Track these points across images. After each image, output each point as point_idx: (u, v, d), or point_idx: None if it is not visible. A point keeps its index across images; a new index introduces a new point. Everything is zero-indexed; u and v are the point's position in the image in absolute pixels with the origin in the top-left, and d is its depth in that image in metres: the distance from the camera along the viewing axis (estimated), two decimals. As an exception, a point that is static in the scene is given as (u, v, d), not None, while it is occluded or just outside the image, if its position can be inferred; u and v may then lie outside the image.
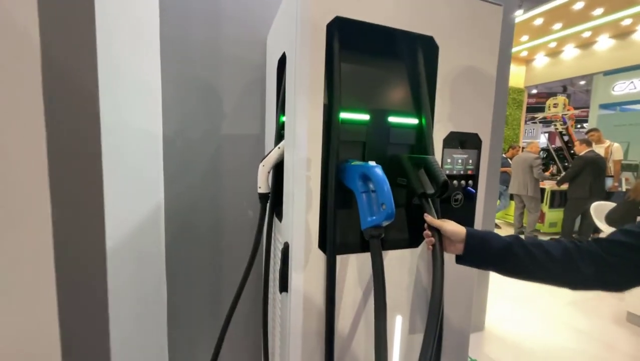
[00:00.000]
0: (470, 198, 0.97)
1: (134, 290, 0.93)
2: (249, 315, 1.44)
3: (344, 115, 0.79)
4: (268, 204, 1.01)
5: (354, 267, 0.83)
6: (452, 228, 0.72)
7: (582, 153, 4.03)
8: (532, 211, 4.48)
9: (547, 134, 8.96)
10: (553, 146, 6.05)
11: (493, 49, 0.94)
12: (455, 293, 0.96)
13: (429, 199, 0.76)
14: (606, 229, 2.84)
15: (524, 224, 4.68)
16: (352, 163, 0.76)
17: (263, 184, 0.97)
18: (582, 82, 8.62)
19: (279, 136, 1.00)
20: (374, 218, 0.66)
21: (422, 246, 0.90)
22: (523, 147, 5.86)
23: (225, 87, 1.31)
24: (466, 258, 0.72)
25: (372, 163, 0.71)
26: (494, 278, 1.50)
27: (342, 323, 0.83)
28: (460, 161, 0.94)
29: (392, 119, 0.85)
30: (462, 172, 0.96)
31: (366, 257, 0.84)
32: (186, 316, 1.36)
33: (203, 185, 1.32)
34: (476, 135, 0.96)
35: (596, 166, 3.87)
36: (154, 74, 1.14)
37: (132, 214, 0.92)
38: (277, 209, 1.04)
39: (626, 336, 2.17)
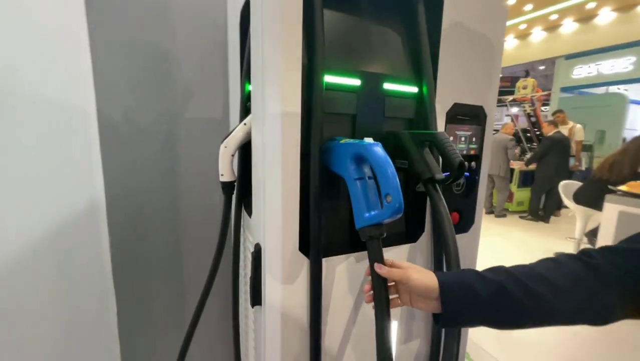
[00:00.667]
0: (473, 183, 0.84)
1: (56, 300, 0.72)
2: (218, 329, 1.26)
3: (328, 79, 0.60)
4: (234, 196, 0.82)
5: (343, 271, 0.68)
6: (419, 279, 0.49)
7: (549, 134, 4.15)
8: (502, 191, 4.61)
9: (509, 117, 9.35)
10: (518, 128, 6.26)
11: (502, 9, 0.79)
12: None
13: (437, 186, 0.61)
14: (573, 207, 2.95)
15: (494, 204, 4.83)
16: (341, 142, 0.58)
17: (226, 170, 0.77)
18: (542, 67, 8.96)
19: (245, 110, 0.79)
20: (374, 213, 0.50)
21: (421, 240, 0.76)
22: (495, 130, 5.98)
23: (177, 53, 1.06)
24: (447, 318, 0.49)
25: (368, 140, 0.54)
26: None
27: (330, 340, 0.67)
28: (463, 139, 0.80)
29: (387, 85, 0.68)
30: (464, 152, 0.82)
31: (357, 257, 0.69)
32: (142, 330, 1.15)
33: (155, 174, 1.08)
34: (481, 108, 0.81)
35: (562, 146, 4.02)
36: (79, 32, 0.87)
37: (41, 213, 0.69)
38: (245, 201, 0.85)
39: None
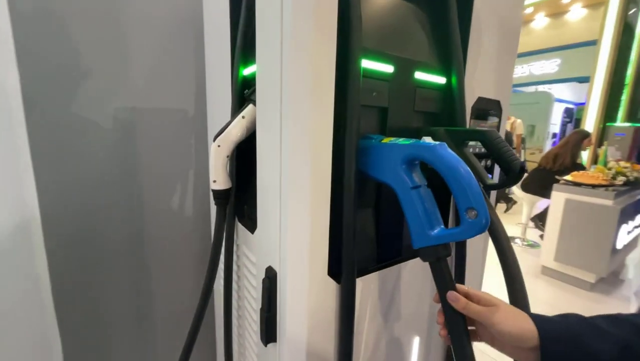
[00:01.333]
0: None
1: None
2: None
3: (364, 63, 0.48)
4: (228, 206, 0.66)
5: (370, 291, 0.58)
6: (510, 326, 0.38)
7: None
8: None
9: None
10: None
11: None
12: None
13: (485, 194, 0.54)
14: (521, 195, 3.23)
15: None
16: (383, 141, 0.47)
17: (220, 175, 0.61)
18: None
19: (239, 100, 0.64)
20: (454, 231, 0.39)
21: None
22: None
23: (132, 30, 0.83)
24: None
25: (427, 140, 0.44)
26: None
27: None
28: (483, 135, 0.74)
29: (419, 75, 0.58)
30: (481, 150, 0.77)
31: (384, 275, 0.60)
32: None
33: (107, 183, 0.86)
34: (498, 103, 0.77)
35: (508, 139, 4.41)
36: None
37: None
38: (239, 212, 0.70)
39: (543, 286, 2.52)
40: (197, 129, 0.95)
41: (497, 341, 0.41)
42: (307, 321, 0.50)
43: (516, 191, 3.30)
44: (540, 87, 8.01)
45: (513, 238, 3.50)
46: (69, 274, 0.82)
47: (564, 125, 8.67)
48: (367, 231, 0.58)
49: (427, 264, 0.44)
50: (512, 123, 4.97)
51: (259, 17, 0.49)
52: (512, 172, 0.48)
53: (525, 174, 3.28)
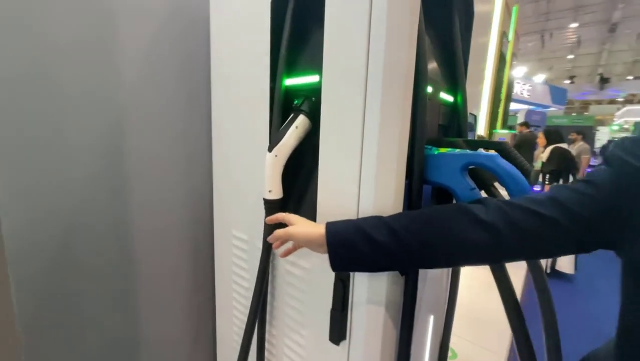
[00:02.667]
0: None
1: None
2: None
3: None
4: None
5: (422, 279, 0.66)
6: (305, 232, 0.49)
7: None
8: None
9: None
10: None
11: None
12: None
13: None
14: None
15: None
16: (438, 152, 0.56)
17: (275, 185, 0.60)
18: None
19: (283, 109, 0.64)
20: None
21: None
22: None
23: (124, 22, 0.72)
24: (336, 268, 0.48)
25: (483, 151, 0.55)
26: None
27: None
28: (468, 144, 0.91)
29: (442, 94, 0.70)
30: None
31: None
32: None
33: (86, 193, 0.72)
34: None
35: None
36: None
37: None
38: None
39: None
40: (195, 132, 0.87)
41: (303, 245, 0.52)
42: (382, 317, 0.55)
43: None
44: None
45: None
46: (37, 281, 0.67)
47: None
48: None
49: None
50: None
51: (330, 34, 0.53)
52: (526, 175, 0.63)
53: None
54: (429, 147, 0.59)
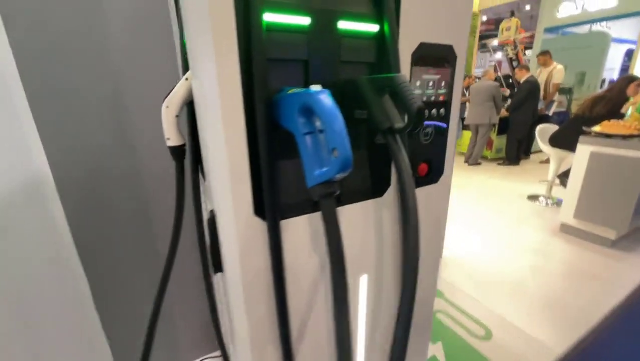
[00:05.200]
0: (441, 132, 0.80)
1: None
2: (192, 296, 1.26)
3: (269, 17, 0.51)
4: (186, 160, 0.75)
5: (307, 232, 0.65)
6: None
7: (524, 79, 4.11)
8: (482, 140, 4.66)
9: (493, 63, 9.12)
10: (500, 74, 6.14)
11: None
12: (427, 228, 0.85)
13: (398, 136, 0.57)
14: (548, 151, 3.01)
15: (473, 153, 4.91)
16: (289, 92, 0.51)
17: (172, 133, 0.69)
18: (527, 7, 8.56)
19: (186, 63, 0.69)
20: (324, 170, 0.45)
21: (388, 194, 0.74)
22: (477, 77, 5.83)
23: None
24: None
25: (315, 88, 0.48)
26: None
27: (298, 301, 0.67)
28: (431, 83, 0.74)
29: (343, 24, 0.59)
30: (432, 98, 0.76)
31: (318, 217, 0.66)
32: (117, 300, 1.14)
33: (106, 142, 0.99)
34: (451, 48, 0.74)
35: (537, 90, 4.01)
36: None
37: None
38: (201, 165, 0.79)
39: (560, 244, 2.44)
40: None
41: None
42: (240, 252, 0.59)
43: (543, 146, 3.07)
44: (596, 26, 6.95)
45: (537, 196, 3.33)
46: (81, 217, 1.00)
47: (624, 70, 7.55)
48: (298, 179, 0.64)
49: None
50: (551, 70, 4.45)
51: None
52: (410, 115, 0.50)
53: (557, 128, 3.02)
54: (287, 88, 0.54)
